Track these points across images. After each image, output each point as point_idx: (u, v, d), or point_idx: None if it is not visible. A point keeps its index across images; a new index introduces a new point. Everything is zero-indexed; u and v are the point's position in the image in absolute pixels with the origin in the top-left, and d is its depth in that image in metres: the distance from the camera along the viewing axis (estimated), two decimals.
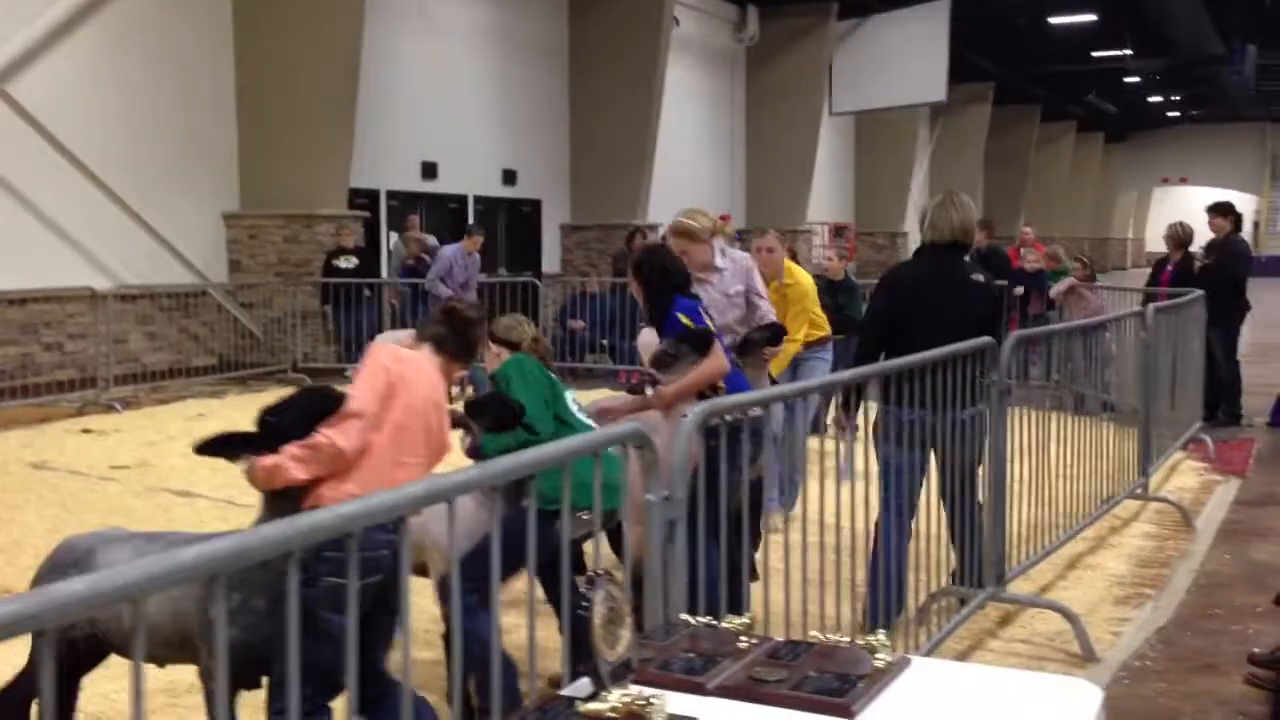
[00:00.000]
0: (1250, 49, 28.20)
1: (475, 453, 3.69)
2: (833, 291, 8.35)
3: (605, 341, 13.40)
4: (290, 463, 2.98)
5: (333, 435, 3.00)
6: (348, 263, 13.45)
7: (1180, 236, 10.14)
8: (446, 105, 16.93)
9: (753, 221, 25.72)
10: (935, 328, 4.48)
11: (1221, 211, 9.71)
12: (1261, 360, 10.54)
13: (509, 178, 18.47)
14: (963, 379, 4.33)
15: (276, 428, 3.02)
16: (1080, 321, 5.47)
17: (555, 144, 19.53)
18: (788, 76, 25.11)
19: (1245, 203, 41.37)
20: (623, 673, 1.76)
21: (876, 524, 4.21)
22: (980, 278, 4.86)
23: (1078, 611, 4.65)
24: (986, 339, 4.51)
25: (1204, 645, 4.38)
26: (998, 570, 4.43)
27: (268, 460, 2.99)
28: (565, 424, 3.85)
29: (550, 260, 19.53)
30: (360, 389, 3.09)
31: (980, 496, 4.47)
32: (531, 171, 18.92)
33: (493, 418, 3.61)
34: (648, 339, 5.46)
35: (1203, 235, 10.05)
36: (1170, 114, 46.17)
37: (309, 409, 3.04)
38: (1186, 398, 7.99)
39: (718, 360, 4.21)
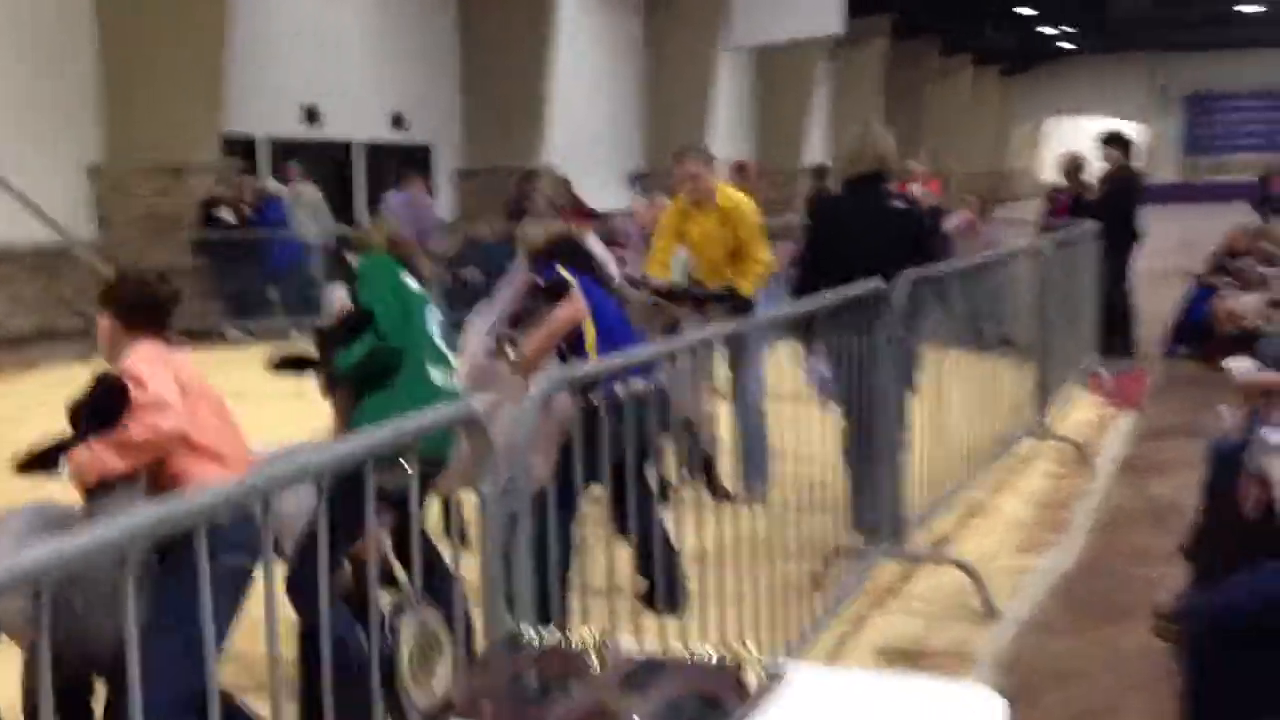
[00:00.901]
0: None
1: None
2: None
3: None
4: (106, 455, 2.76)
5: (145, 419, 2.71)
6: (229, 216, 12.83)
7: (1072, 167, 10.08)
8: (328, 45, 16.21)
9: (654, 162, 25.35)
10: (855, 257, 4.51)
11: (1113, 141, 9.64)
12: (1153, 289, 10.56)
13: (398, 122, 17.83)
14: (859, 322, 4.15)
15: (85, 429, 2.82)
16: (973, 260, 5.25)
17: (446, 85, 18.89)
18: (685, 12, 24.67)
19: (1137, 133, 42.12)
20: (442, 713, 1.46)
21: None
22: (902, 204, 4.93)
23: (979, 561, 4.49)
24: (874, 284, 4.28)
25: (1108, 592, 4.25)
26: (894, 525, 4.24)
27: (82, 457, 2.78)
28: (417, 346, 3.33)
29: (445, 208, 18.95)
30: (145, 374, 2.84)
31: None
32: (422, 115, 18.28)
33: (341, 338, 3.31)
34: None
35: (1097, 167, 10.00)
36: (1063, 45, 46.66)
37: (104, 399, 2.81)
38: (1082, 332, 7.92)
39: (569, 307, 3.90)
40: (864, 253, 4.57)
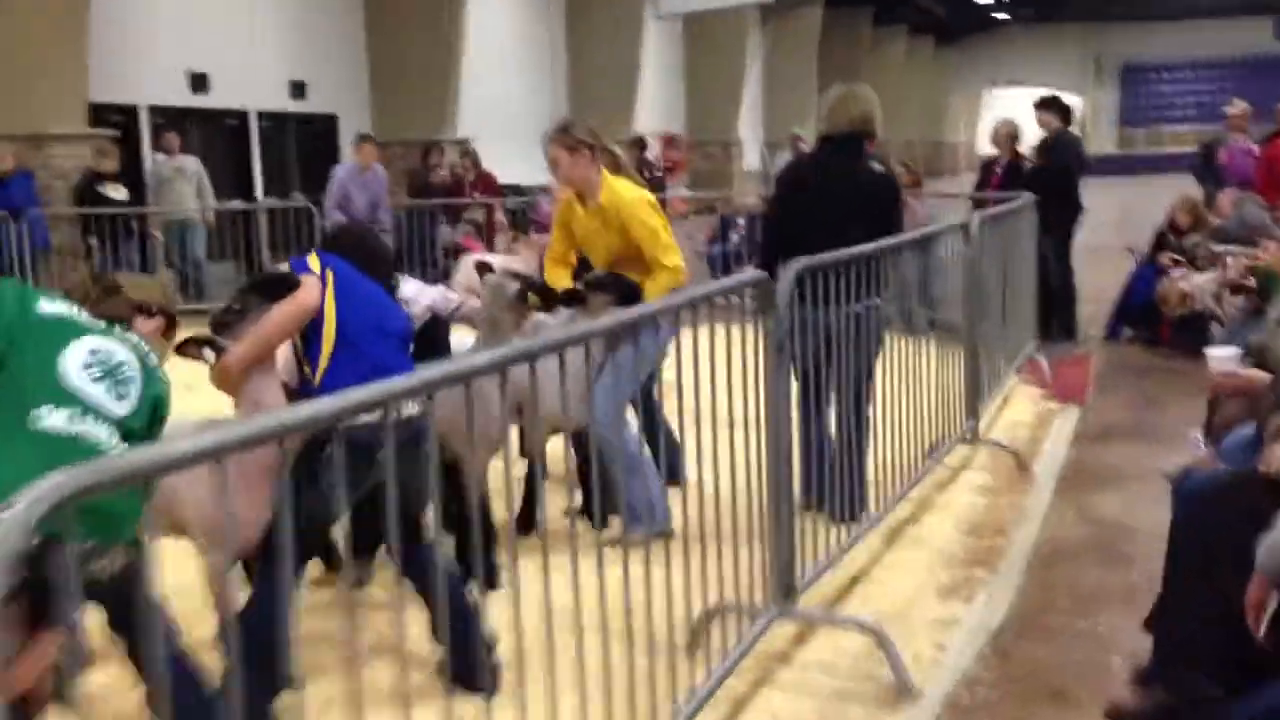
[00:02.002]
0: None
1: None
2: None
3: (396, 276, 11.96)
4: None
5: None
6: (117, 192, 11.67)
7: (1006, 135, 9.28)
8: (218, 8, 15.01)
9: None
10: (827, 218, 4.44)
11: (1049, 106, 8.85)
12: (1094, 266, 9.83)
13: (298, 90, 16.67)
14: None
15: None
16: (890, 241, 4.39)
17: (351, 52, 17.74)
18: None
19: (1072, 104, 41.49)
20: None
21: None
22: (880, 168, 4.72)
23: (895, 610, 3.67)
24: (759, 274, 3.43)
25: (1049, 656, 3.43)
26: (785, 579, 3.37)
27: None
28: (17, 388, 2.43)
29: None
30: None
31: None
32: (325, 83, 17.13)
33: None
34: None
35: (1033, 137, 9.23)
36: (997, 15, 46.26)
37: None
38: (1018, 315, 7.14)
39: (293, 302, 3.09)
40: (835, 216, 4.47)
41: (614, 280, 4.38)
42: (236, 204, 13.72)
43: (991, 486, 5.12)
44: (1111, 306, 9.03)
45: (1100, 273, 9.77)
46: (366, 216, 10.53)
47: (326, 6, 17.12)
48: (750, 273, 3.33)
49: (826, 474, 4.03)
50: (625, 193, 4.50)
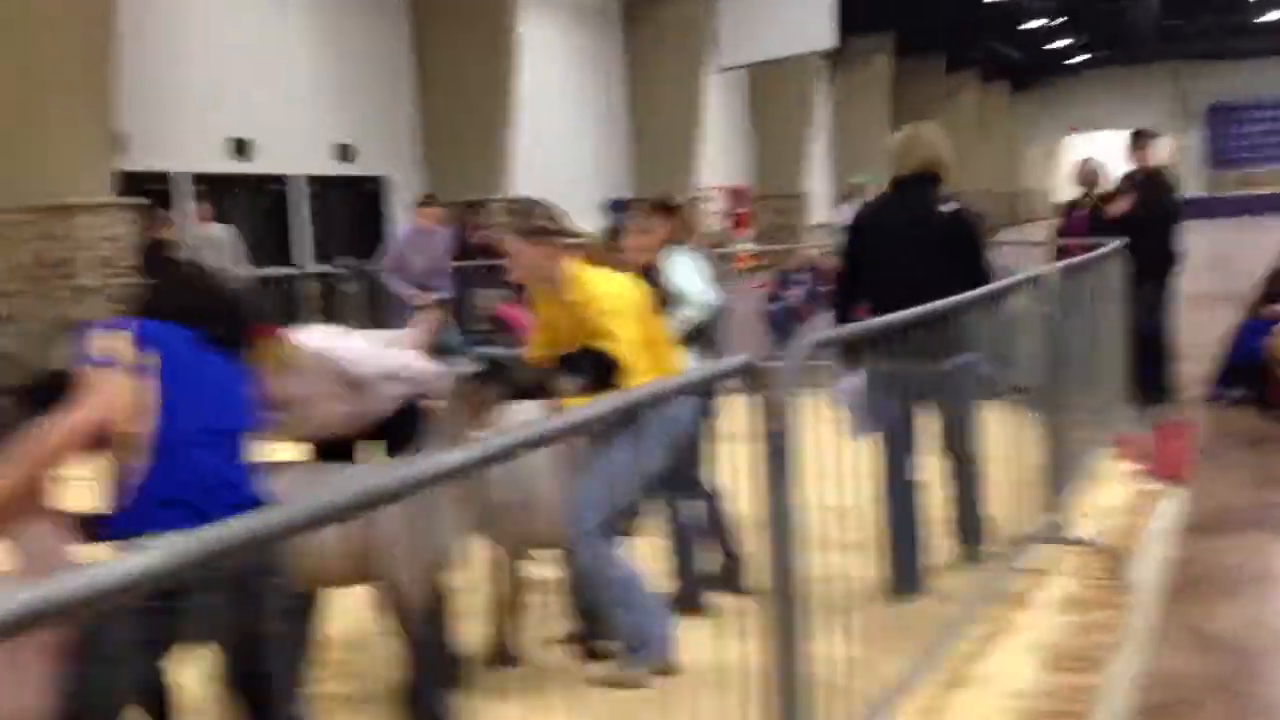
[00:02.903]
0: None
1: None
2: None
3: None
4: None
5: None
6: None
7: (1089, 174, 8.33)
8: (260, 73, 14.67)
9: (640, 190, 23.78)
10: (899, 263, 4.34)
11: (1142, 139, 7.91)
12: (1190, 318, 8.79)
13: (344, 153, 16.25)
14: None
15: None
16: (942, 303, 3.53)
17: (400, 113, 17.33)
18: (668, 29, 23.14)
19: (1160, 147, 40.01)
20: None
21: None
22: (954, 208, 4.50)
23: None
24: (745, 359, 2.60)
25: None
26: None
27: None
28: None
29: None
30: None
31: None
32: (373, 145, 16.70)
33: None
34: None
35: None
36: (1072, 60, 45.08)
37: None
38: (1109, 378, 6.18)
39: (77, 415, 2.28)
40: (906, 261, 4.35)
41: (586, 356, 3.60)
42: (271, 270, 13.16)
43: (1079, 598, 4.17)
44: (1215, 365, 7.98)
45: (1195, 325, 8.74)
46: (422, 281, 10.05)
47: (375, 67, 16.74)
48: (738, 357, 2.48)
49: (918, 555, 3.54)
50: (591, 287, 3.67)
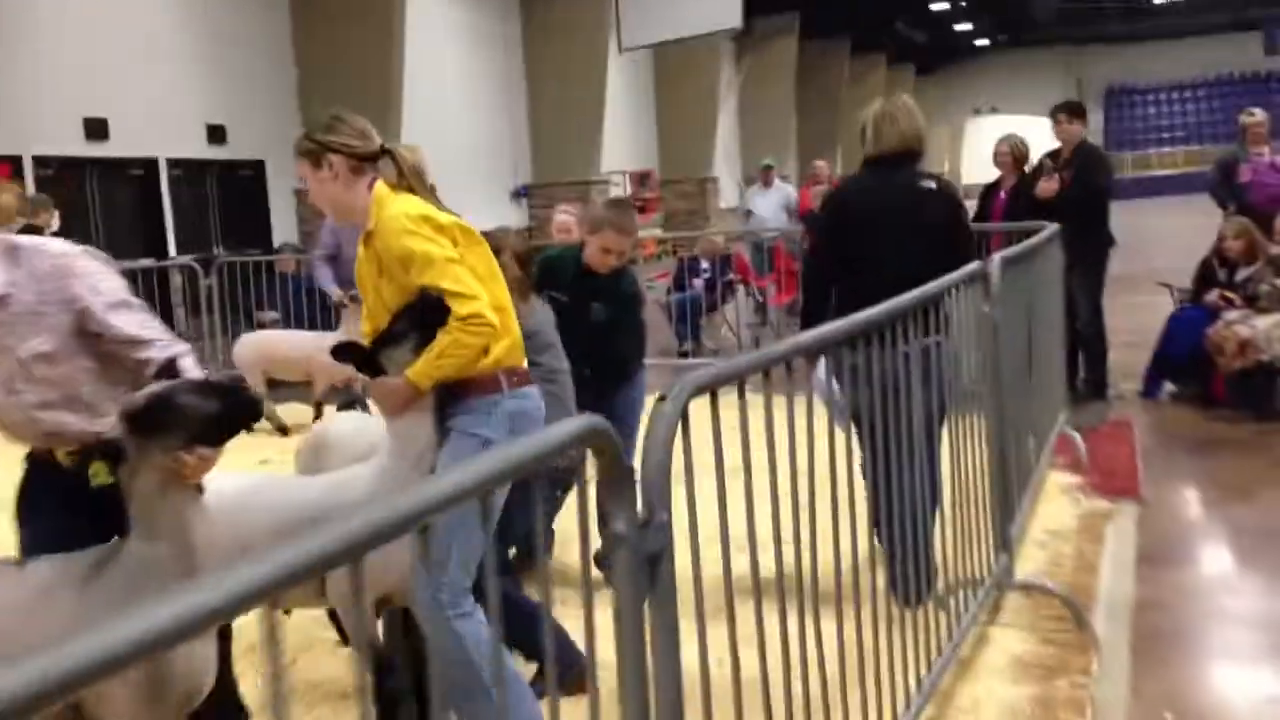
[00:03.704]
0: None
1: None
2: None
3: None
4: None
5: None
6: None
7: (1016, 154, 7.67)
8: (120, 48, 13.45)
9: (540, 175, 22.88)
10: (887, 247, 4.09)
11: (1072, 112, 7.26)
12: (1120, 305, 8.23)
13: (216, 134, 15.08)
14: None
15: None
16: (880, 309, 2.73)
17: (280, 93, 16.17)
18: (567, 9, 22.20)
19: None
20: None
21: None
22: (933, 185, 4.26)
23: None
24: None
25: None
26: None
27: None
28: None
29: (285, 232, 16.20)
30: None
31: None
32: (249, 127, 15.54)
33: None
34: None
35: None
36: (978, 42, 45.21)
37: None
38: (1048, 380, 5.50)
39: None
40: (890, 245, 4.08)
41: (408, 313, 2.76)
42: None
43: (1037, 661, 3.44)
44: (1149, 358, 7.39)
45: (1119, 311, 8.17)
46: (348, 275, 8.71)
47: (250, 43, 15.57)
48: (581, 421, 1.65)
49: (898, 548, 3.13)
50: (388, 209, 2.83)
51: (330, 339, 6.75)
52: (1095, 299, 7.10)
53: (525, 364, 2.95)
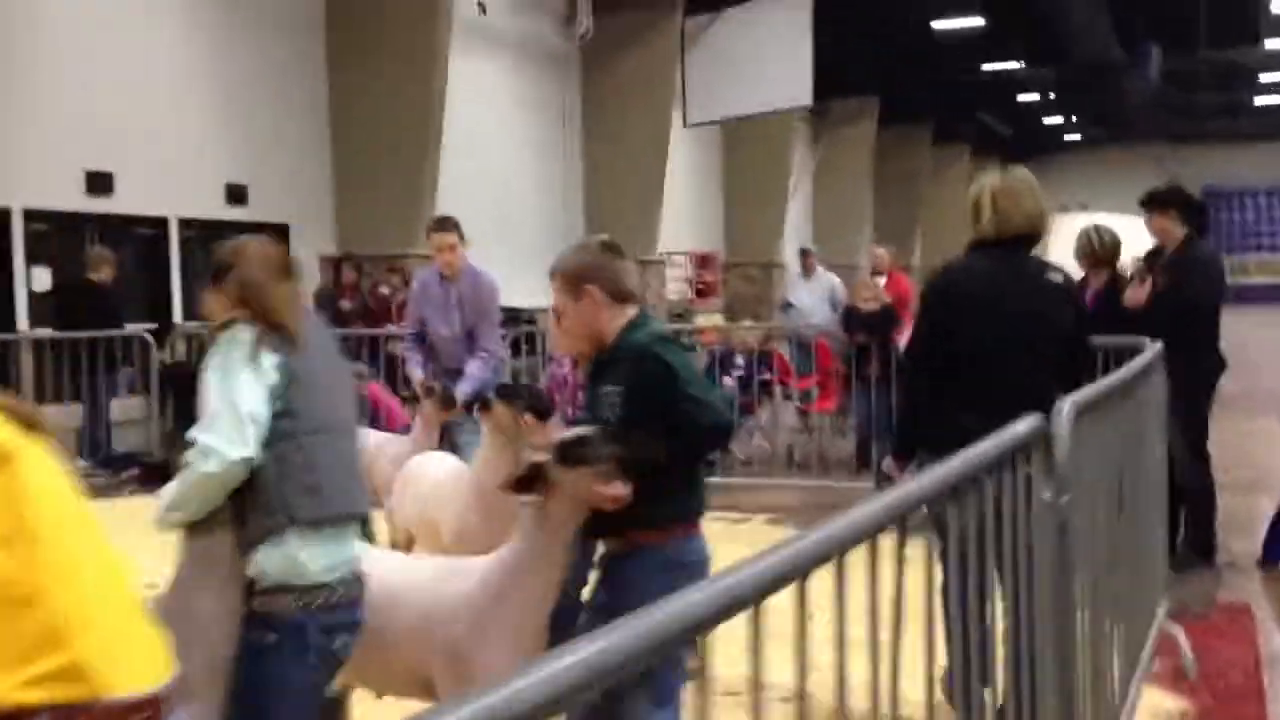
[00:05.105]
0: (1155, 50, 25.07)
1: None
2: None
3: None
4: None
5: None
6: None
7: (1100, 250, 6.21)
8: (129, 94, 12.57)
9: None
10: (1004, 347, 3.63)
11: (1169, 204, 5.82)
12: (1227, 433, 6.67)
13: (236, 195, 14.12)
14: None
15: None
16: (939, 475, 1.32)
17: (311, 154, 15.25)
18: (631, 80, 21.25)
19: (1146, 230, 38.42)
20: None
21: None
22: (1059, 279, 3.76)
23: None
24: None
25: None
26: None
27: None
28: None
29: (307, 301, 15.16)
30: None
31: None
32: (272, 187, 14.58)
33: None
34: None
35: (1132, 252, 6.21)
36: (1068, 137, 43.76)
37: None
38: (1145, 557, 4.00)
39: None
40: (1010, 344, 3.61)
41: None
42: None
43: None
44: (1272, 512, 5.82)
45: (1231, 443, 6.63)
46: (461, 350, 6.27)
47: (279, 99, 14.68)
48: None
49: None
50: None
51: (397, 443, 5.58)
52: (1199, 441, 5.59)
53: None
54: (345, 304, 10.41)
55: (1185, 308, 5.51)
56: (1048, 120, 39.68)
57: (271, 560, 2.53)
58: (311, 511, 2.58)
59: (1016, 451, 2.28)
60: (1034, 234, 3.76)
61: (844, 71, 25.20)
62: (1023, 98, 34.60)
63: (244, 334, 2.63)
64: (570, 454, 2.78)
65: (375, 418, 8.70)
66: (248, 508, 2.55)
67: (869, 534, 1.74)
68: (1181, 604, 4.87)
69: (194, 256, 13.73)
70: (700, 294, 24.68)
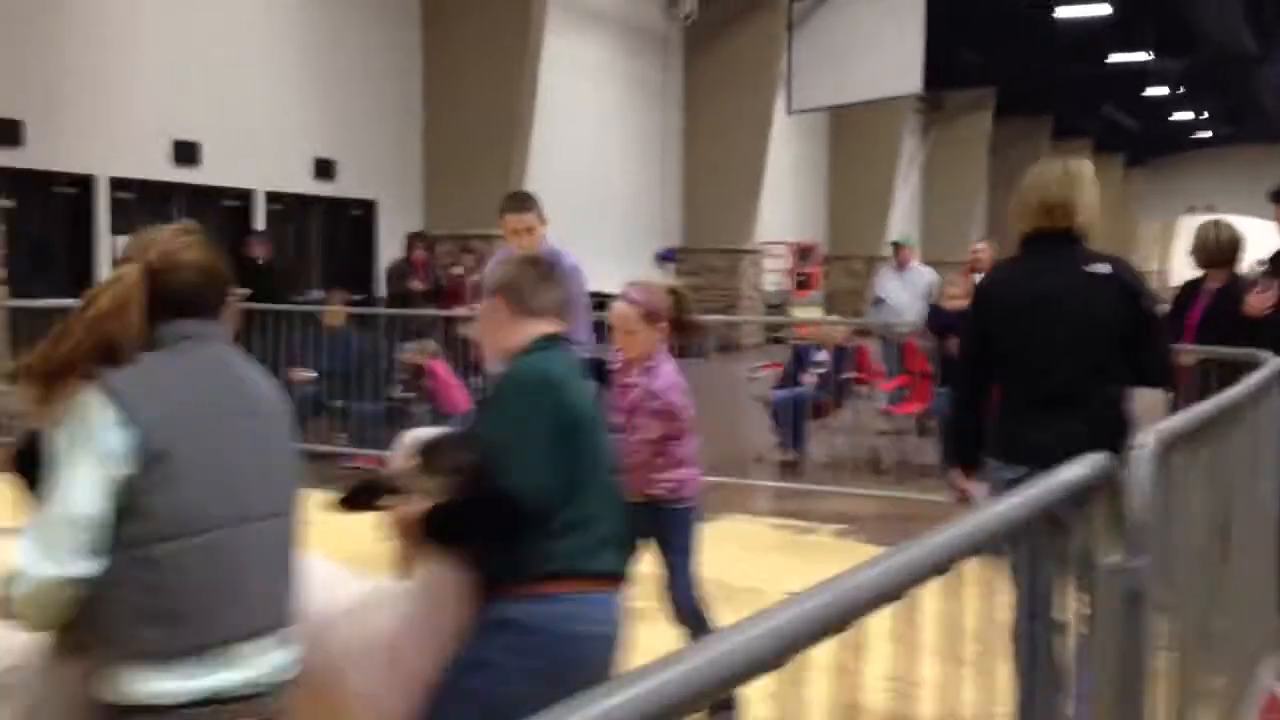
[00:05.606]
0: None
1: None
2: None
3: (341, 404, 8.72)
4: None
5: None
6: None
7: (1216, 247, 5.54)
8: (219, 65, 12.50)
9: (691, 238, 21.30)
10: (1035, 347, 3.42)
11: None
12: None
13: (324, 169, 14.02)
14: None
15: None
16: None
17: (402, 131, 15.09)
18: (734, 64, 20.72)
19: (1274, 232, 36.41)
20: None
21: None
22: (1105, 269, 3.42)
23: None
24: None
25: None
26: None
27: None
28: None
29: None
30: None
31: None
32: (361, 163, 14.47)
33: None
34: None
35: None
36: (1198, 134, 41.77)
37: None
38: (1250, 607, 3.43)
39: None
40: (1039, 345, 3.41)
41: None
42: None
43: None
44: None
45: None
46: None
47: (369, 73, 14.52)
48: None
49: None
50: None
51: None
52: None
53: None
54: (416, 284, 10.08)
55: None
56: (1176, 116, 37.84)
57: (124, 684, 1.99)
58: (167, 644, 1.98)
59: (1066, 505, 1.75)
60: (1072, 228, 3.46)
61: (959, 60, 24.28)
62: (1150, 91, 33.01)
63: (89, 399, 1.99)
64: (434, 459, 2.48)
65: (435, 394, 8.38)
66: (86, 631, 2.00)
67: (918, 579, 1.32)
68: None
69: (279, 229, 13.66)
70: (801, 286, 24.04)
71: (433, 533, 2.46)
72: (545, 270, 2.73)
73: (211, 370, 2.14)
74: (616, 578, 2.55)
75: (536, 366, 2.55)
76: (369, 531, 2.67)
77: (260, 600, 2.10)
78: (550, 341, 2.63)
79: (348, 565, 2.72)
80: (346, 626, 2.44)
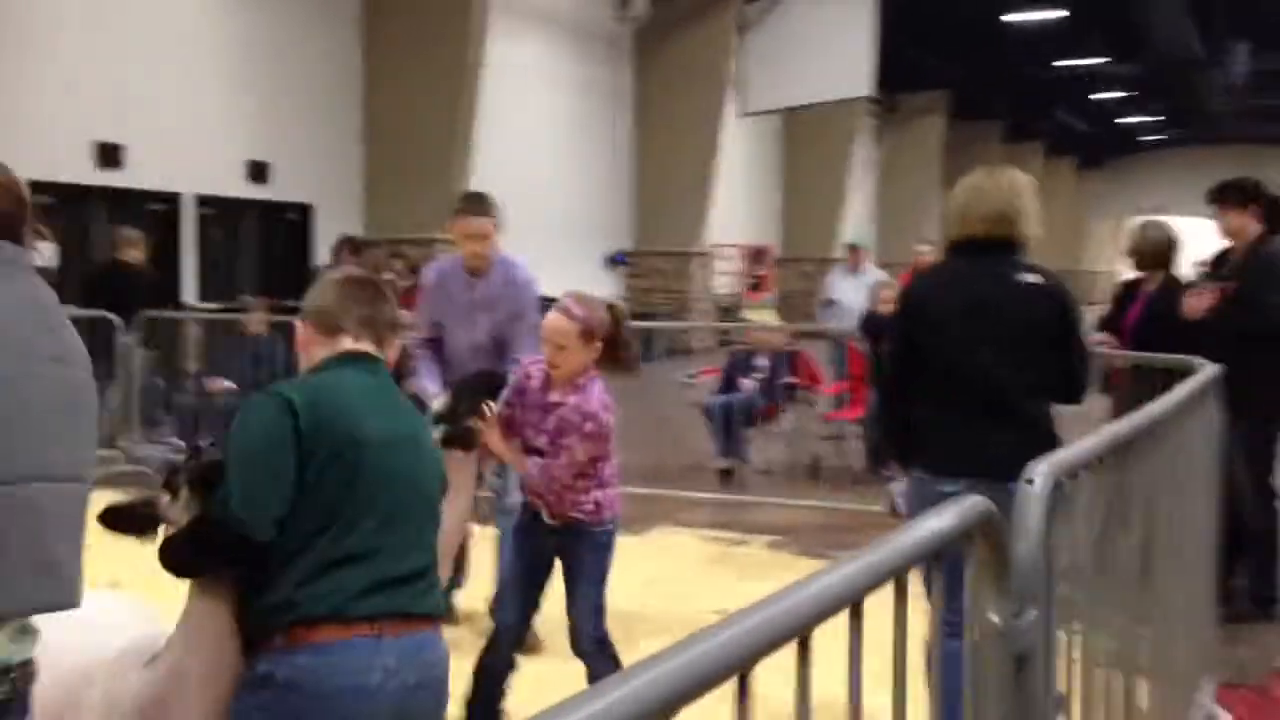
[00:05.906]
0: (1241, 48, 23.70)
1: None
2: None
3: None
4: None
5: None
6: None
7: (1149, 248, 5.34)
8: (147, 64, 12.10)
9: (642, 241, 21.06)
10: (961, 354, 3.36)
11: (1251, 199, 4.94)
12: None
13: (258, 172, 13.61)
14: None
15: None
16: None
17: (339, 131, 14.72)
18: (685, 66, 20.51)
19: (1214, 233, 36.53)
20: None
21: None
22: (1036, 279, 3.40)
23: None
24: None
25: None
26: None
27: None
28: None
29: None
30: None
31: None
32: (297, 166, 14.08)
33: None
34: None
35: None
36: (1149, 137, 42.14)
37: None
38: (1186, 627, 3.20)
39: None
40: (964, 352, 3.35)
41: None
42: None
43: None
44: None
45: None
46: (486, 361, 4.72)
47: (307, 73, 14.15)
48: None
49: None
50: None
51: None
52: (1264, 474, 4.71)
53: None
54: None
55: (1257, 319, 4.65)
56: (1126, 119, 38.12)
57: None
58: None
59: (930, 559, 1.46)
60: (1009, 236, 3.42)
61: (912, 64, 24.24)
62: (1100, 95, 33.18)
63: None
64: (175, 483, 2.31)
65: None
66: None
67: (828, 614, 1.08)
68: (1233, 662, 4.13)
69: (211, 234, 13.26)
70: (753, 289, 23.85)
71: (165, 564, 2.25)
72: (356, 289, 2.52)
73: (25, 305, 1.91)
74: (407, 618, 2.25)
75: (278, 391, 2.31)
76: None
77: (33, 573, 1.83)
78: (346, 360, 2.41)
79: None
80: (105, 680, 2.17)
